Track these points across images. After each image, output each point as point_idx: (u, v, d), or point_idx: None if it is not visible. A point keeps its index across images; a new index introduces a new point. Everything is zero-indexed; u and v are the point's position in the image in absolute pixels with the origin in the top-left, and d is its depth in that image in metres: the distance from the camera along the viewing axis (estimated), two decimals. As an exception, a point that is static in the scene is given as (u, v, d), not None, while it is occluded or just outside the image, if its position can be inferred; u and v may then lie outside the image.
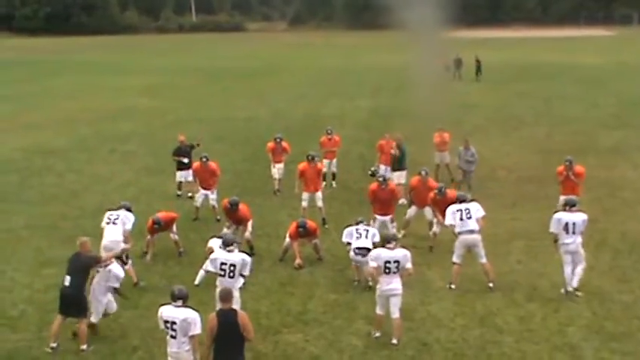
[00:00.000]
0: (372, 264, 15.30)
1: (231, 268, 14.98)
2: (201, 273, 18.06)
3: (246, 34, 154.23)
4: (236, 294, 15.10)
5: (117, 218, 18.50)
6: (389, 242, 15.36)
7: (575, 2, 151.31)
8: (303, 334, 15.55)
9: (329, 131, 27.89)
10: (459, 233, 17.91)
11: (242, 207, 20.31)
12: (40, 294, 17.88)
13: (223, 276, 15.05)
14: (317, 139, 28.57)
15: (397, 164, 25.62)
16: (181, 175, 26.86)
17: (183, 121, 42.75)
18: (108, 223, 18.53)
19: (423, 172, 21.52)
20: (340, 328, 15.83)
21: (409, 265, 15.27)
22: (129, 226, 18.53)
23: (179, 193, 26.99)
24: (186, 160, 26.73)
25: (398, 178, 25.36)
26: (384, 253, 15.16)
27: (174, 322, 12.34)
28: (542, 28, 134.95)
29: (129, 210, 18.86)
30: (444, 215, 18.71)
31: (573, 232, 17.14)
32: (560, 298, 17.10)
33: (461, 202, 18.30)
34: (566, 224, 17.11)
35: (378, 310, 15.47)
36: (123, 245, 18.09)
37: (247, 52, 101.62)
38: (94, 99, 54.92)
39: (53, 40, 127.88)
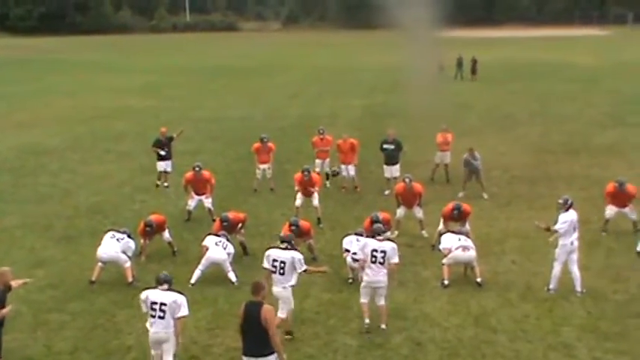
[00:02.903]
0: (360, 255, 15.75)
1: (282, 265, 14.94)
2: (197, 273, 18.10)
3: (240, 34, 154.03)
4: (288, 294, 15.14)
5: (122, 239, 18.70)
6: (378, 235, 15.76)
7: (570, 2, 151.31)
8: (299, 334, 15.53)
9: (321, 131, 27.88)
10: (455, 249, 18.13)
11: (233, 217, 20.30)
12: (34, 294, 17.83)
13: (275, 272, 15.02)
14: (310, 138, 28.53)
15: (391, 158, 26.34)
16: (162, 166, 27.83)
17: (177, 121, 42.58)
18: (112, 238, 18.67)
19: (407, 180, 21.76)
20: (334, 328, 15.83)
21: (396, 260, 15.60)
22: (130, 253, 18.72)
23: (158, 183, 27.85)
24: (163, 153, 27.61)
25: (392, 172, 25.95)
26: (371, 242, 15.62)
27: (163, 304, 13.02)
28: (537, 27, 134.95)
29: (130, 236, 18.97)
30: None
31: (576, 229, 17.36)
32: (554, 298, 17.13)
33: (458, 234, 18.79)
34: (574, 222, 17.29)
35: (362, 299, 15.78)
36: (119, 261, 18.42)
37: (241, 52, 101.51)
38: (88, 98, 54.81)
39: (47, 40, 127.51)
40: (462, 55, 63.24)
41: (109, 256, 18.40)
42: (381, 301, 15.72)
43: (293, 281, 15.12)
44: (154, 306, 13.10)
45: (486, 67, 64.60)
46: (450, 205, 20.11)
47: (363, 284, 15.75)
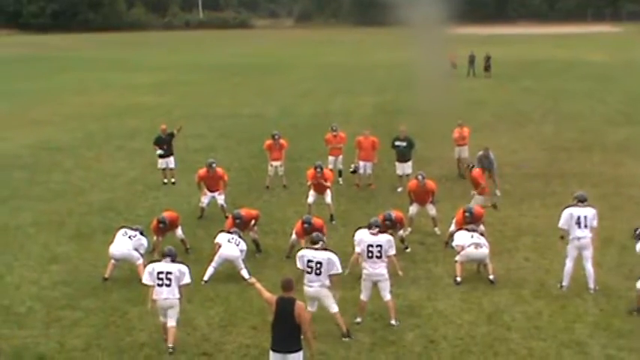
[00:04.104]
0: (356, 249, 16.02)
1: (318, 265, 14.85)
2: (210, 270, 18.13)
3: (252, 31, 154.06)
4: (326, 292, 15.05)
5: (134, 236, 18.65)
6: (370, 228, 15.87)
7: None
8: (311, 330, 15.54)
9: (334, 128, 27.84)
10: (468, 246, 18.13)
11: (245, 214, 20.31)
12: (47, 290, 17.94)
13: (310, 273, 14.93)
14: (323, 135, 28.52)
15: (403, 156, 26.19)
16: (162, 163, 27.95)
17: (189, 118, 42.71)
18: (124, 235, 18.67)
19: (420, 177, 21.69)
20: (347, 325, 15.81)
21: (392, 251, 15.77)
22: (142, 250, 18.70)
23: (165, 181, 27.97)
24: (160, 152, 27.75)
25: (404, 169, 25.93)
26: (366, 237, 15.77)
27: (169, 272, 14.70)
28: (549, 24, 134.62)
29: (142, 234, 18.94)
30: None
31: (585, 226, 17.23)
32: (567, 295, 17.09)
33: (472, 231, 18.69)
34: (578, 217, 17.21)
35: (362, 297, 15.91)
36: (132, 258, 18.47)
37: (254, 49, 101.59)
38: (101, 95, 55.03)
39: (60, 37, 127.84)
40: (473, 52, 63.17)
41: (121, 253, 18.42)
42: (387, 296, 15.80)
43: (328, 281, 15.02)
44: (161, 275, 14.70)
45: (499, 64, 64.47)
46: (461, 210, 19.98)
47: (362, 277, 15.89)
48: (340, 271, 15.03)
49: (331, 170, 25.66)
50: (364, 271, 15.79)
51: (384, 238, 15.76)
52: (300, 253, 15.28)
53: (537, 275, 18.37)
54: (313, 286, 14.90)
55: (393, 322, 15.73)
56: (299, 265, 15.10)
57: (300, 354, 12.33)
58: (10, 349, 15.01)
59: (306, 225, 19.22)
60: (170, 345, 14.66)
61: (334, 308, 15.15)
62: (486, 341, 15.06)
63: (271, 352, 12.41)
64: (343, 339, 15.08)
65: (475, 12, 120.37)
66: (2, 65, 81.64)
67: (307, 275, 14.93)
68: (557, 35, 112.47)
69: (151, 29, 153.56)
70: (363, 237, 15.88)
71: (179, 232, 20.42)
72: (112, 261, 18.45)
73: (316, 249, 15.11)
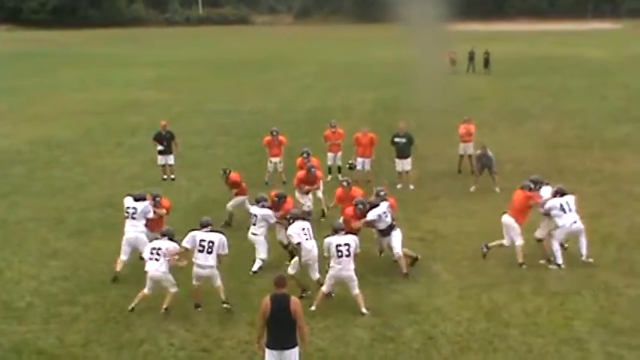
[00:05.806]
0: (325, 254, 16.34)
1: (210, 244, 16.05)
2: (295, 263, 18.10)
3: (252, 27, 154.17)
4: (217, 272, 16.28)
5: (134, 212, 18.46)
6: (337, 232, 16.29)
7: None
8: (309, 327, 15.49)
9: (333, 124, 27.85)
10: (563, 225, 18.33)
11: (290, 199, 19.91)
12: (46, 286, 17.94)
13: (202, 251, 16.02)
14: (323, 132, 28.51)
15: (403, 152, 26.26)
16: (162, 159, 28.07)
17: (189, 114, 42.80)
18: (127, 218, 18.54)
19: (345, 183, 20.68)
20: (346, 321, 15.83)
21: (358, 250, 16.29)
22: (150, 216, 18.63)
23: (164, 177, 27.97)
24: (160, 147, 27.87)
25: (403, 165, 25.88)
26: (334, 240, 16.12)
27: (159, 248, 16.16)
28: (549, 21, 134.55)
29: (137, 199, 18.69)
30: None
31: (570, 210, 18.03)
32: (566, 292, 17.07)
33: (562, 195, 18.60)
34: (561, 204, 18.05)
35: (325, 289, 16.37)
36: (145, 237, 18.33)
37: (254, 45, 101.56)
38: (100, 91, 54.98)
39: (60, 33, 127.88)
40: (474, 49, 63.19)
41: (135, 237, 18.18)
42: (356, 291, 16.20)
43: (216, 261, 16.16)
44: (153, 250, 16.19)
45: (498, 60, 64.47)
46: (519, 190, 19.62)
47: (329, 275, 16.23)
48: (227, 251, 16.26)
49: (330, 166, 25.83)
50: (331, 272, 16.15)
51: (351, 238, 16.20)
52: (191, 234, 16.26)
53: (536, 272, 18.34)
54: (206, 269, 16.12)
55: (363, 310, 16.06)
56: (188, 245, 16.18)
57: (296, 350, 12.33)
58: (10, 344, 15.03)
59: (360, 206, 18.75)
60: (165, 306, 16.09)
61: (218, 282, 16.29)
62: (485, 338, 15.06)
63: (267, 350, 12.40)
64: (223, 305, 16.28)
65: (475, 9, 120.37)
66: (2, 61, 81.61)
67: (199, 254, 16.05)
68: (557, 32, 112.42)
69: (151, 25, 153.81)
70: (332, 240, 16.09)
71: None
72: (125, 251, 18.25)
73: (207, 231, 16.20)
